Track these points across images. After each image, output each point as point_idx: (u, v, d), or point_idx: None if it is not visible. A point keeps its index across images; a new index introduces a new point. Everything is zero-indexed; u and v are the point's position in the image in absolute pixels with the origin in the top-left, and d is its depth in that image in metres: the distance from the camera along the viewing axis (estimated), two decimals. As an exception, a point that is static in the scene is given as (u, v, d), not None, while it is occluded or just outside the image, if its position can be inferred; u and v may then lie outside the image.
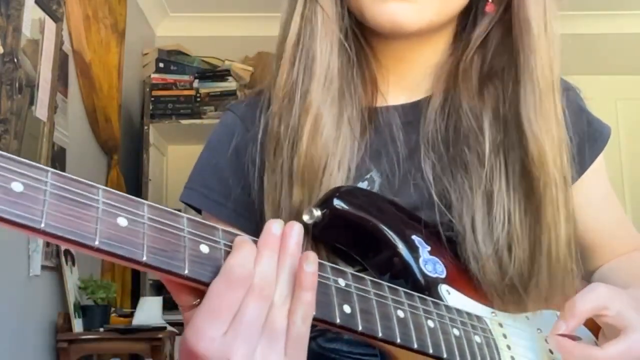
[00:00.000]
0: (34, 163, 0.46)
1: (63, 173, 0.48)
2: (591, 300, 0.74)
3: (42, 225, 0.45)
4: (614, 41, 4.76)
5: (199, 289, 0.57)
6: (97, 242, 0.48)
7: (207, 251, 0.55)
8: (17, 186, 0.45)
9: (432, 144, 0.85)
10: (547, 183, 0.79)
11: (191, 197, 0.92)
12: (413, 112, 0.89)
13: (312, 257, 0.59)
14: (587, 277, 0.99)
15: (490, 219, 0.79)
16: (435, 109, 0.87)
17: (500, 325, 0.78)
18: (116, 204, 0.50)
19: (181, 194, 0.93)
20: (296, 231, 0.60)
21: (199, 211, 0.93)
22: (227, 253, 0.56)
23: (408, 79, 0.91)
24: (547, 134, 0.80)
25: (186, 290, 0.58)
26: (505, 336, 0.77)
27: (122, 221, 0.50)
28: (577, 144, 0.90)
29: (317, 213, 0.75)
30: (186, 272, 0.53)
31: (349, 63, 0.85)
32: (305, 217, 0.75)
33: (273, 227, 0.59)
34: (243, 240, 0.58)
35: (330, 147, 0.80)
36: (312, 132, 0.80)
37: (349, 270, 0.66)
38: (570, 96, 0.93)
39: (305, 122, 0.80)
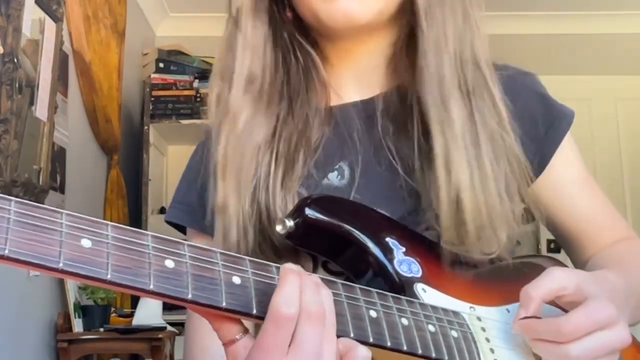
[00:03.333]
0: (-4, 193, 0.47)
1: (26, 201, 0.49)
2: (546, 282, 0.75)
3: (6, 251, 0.47)
4: (614, 41, 4.75)
5: (238, 319, 0.60)
6: (61, 265, 0.49)
7: (172, 266, 0.56)
8: (-22, 217, 0.46)
9: (393, 137, 0.89)
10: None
11: (174, 215, 0.95)
12: (370, 107, 0.92)
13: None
14: (581, 268, 0.97)
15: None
16: (393, 103, 0.90)
17: (479, 319, 0.79)
18: (79, 227, 0.52)
19: (166, 215, 0.96)
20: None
21: (183, 231, 0.95)
22: (193, 266, 0.58)
23: (362, 76, 0.94)
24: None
25: (227, 322, 0.61)
26: (483, 329, 0.78)
27: (86, 242, 0.51)
28: (537, 130, 0.92)
29: (290, 223, 0.76)
30: (151, 287, 0.54)
31: (292, 70, 0.92)
32: (279, 228, 0.77)
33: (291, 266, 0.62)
34: (288, 270, 0.61)
35: (247, 147, 0.86)
36: (227, 133, 0.86)
37: (319, 275, 0.67)
38: (526, 81, 0.96)
39: (225, 120, 0.87)
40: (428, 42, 0.85)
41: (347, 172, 0.88)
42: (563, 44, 4.65)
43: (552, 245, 4.28)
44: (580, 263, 1.00)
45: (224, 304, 0.58)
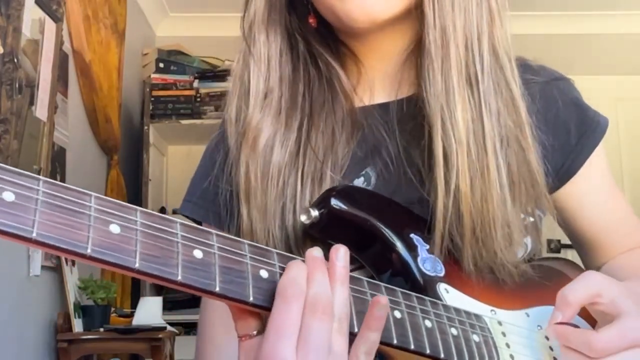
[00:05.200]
0: (25, 172, 0.46)
1: (55, 181, 0.48)
2: (583, 287, 0.74)
3: (34, 234, 0.45)
4: (614, 41, 4.76)
5: (259, 314, 0.60)
6: (89, 250, 0.48)
7: (200, 256, 0.55)
8: (8, 196, 0.45)
9: (408, 143, 0.86)
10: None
11: (188, 209, 0.92)
12: (393, 110, 0.89)
13: (384, 301, 0.62)
14: None
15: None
16: (411, 106, 0.86)
17: (500, 323, 0.78)
18: (108, 211, 0.50)
19: (180, 207, 0.94)
20: (342, 254, 0.63)
21: (199, 224, 0.93)
22: (221, 257, 0.57)
23: (393, 74, 0.90)
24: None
25: (248, 316, 0.60)
26: (504, 334, 0.77)
27: (115, 228, 0.50)
28: (569, 138, 0.90)
29: (315, 213, 0.75)
30: (179, 278, 0.53)
31: (312, 82, 0.88)
32: (303, 217, 0.75)
33: (315, 252, 0.62)
34: (294, 260, 0.61)
35: (270, 167, 0.83)
36: (248, 154, 0.83)
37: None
38: (561, 87, 0.93)
39: (244, 141, 0.84)
40: (433, 32, 0.80)
41: (373, 179, 0.86)
42: (563, 44, 4.64)
43: (552, 245, 4.28)
44: (592, 268, 0.99)
45: (251, 298, 0.57)
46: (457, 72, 0.80)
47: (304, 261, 0.62)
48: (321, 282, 0.60)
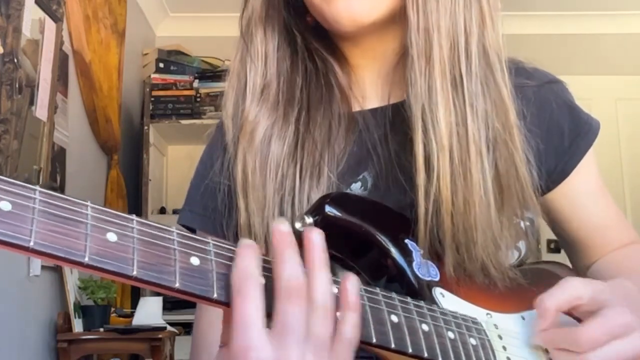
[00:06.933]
0: (21, 183, 0.46)
1: (51, 192, 0.48)
2: (560, 292, 0.74)
3: (31, 243, 0.46)
4: (614, 41, 4.76)
5: None
6: (87, 259, 0.48)
7: (197, 263, 0.55)
8: (5, 205, 0.45)
9: (400, 149, 0.86)
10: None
11: (187, 218, 0.93)
12: (387, 115, 0.89)
13: (354, 279, 0.61)
14: (583, 272, 0.98)
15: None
16: (403, 111, 0.86)
17: (496, 326, 0.78)
18: (105, 219, 0.51)
19: (179, 217, 0.94)
20: (318, 238, 0.61)
21: (193, 231, 0.93)
22: (217, 264, 0.57)
23: (384, 78, 0.91)
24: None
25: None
26: (500, 337, 0.77)
27: (112, 236, 0.50)
28: (562, 140, 0.91)
29: (309, 220, 0.75)
30: (177, 285, 0.53)
31: (310, 77, 0.89)
32: (298, 225, 0.75)
33: (282, 226, 0.59)
34: (244, 246, 0.58)
35: (267, 160, 0.83)
36: (245, 148, 0.84)
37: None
38: (555, 89, 0.94)
39: (241, 135, 0.85)
40: (416, 35, 0.80)
41: (369, 183, 0.86)
42: (563, 44, 4.65)
43: (552, 246, 4.28)
44: (582, 267, 0.99)
45: None
46: (441, 74, 0.80)
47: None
48: (292, 262, 0.57)
